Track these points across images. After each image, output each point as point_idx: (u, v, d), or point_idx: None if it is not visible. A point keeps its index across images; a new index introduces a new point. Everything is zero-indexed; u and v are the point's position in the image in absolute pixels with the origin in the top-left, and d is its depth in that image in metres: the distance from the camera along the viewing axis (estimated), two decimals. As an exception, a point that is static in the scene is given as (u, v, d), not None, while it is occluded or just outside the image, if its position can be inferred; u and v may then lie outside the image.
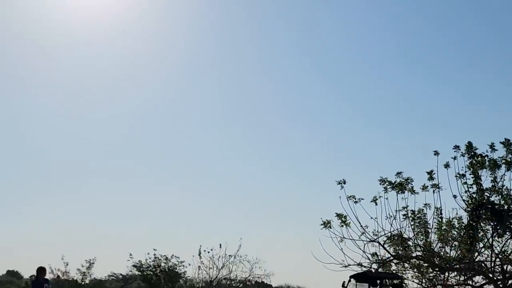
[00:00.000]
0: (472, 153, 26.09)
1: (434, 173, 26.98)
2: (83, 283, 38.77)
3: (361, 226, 27.62)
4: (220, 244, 41.77)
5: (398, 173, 27.58)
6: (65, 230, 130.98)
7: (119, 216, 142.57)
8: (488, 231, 26.38)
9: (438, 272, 28.53)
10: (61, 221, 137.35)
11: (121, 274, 54.23)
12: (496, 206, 25.49)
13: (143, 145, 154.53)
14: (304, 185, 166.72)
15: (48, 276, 37.79)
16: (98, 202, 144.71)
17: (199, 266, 40.51)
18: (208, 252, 40.57)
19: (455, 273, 28.22)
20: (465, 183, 26.21)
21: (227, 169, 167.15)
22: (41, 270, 17.89)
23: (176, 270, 40.27)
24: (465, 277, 28.22)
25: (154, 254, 39.86)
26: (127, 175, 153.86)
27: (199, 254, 40.26)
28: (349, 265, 27.46)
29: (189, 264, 41.18)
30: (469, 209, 25.97)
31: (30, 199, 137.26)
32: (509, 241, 26.25)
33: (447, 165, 26.51)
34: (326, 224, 27.73)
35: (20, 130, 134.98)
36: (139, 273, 40.67)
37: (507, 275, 26.86)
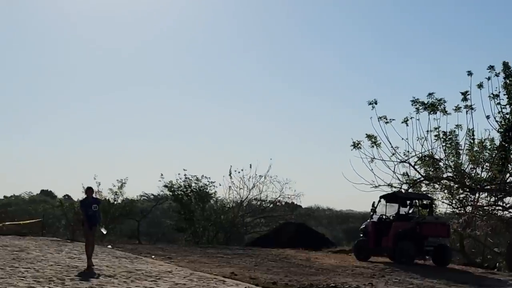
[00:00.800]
0: (508, 73, 25.58)
1: (468, 94, 26.62)
2: (115, 202, 39.35)
3: (392, 147, 27.61)
4: (251, 165, 42.03)
5: (430, 94, 27.31)
6: (97, 151, 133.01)
7: (150, 137, 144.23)
8: (520, 152, 26.13)
9: (469, 193, 28.53)
10: (93, 142, 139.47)
11: (152, 194, 55.05)
12: (530, 127, 25.13)
13: (178, 67, 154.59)
14: (335, 106, 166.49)
15: (80, 195, 38.57)
16: (128, 122, 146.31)
17: (229, 187, 40.95)
18: (239, 173, 40.91)
19: (486, 194, 28.20)
20: (499, 103, 25.88)
21: (259, 90, 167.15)
22: (88, 190, 17.37)
23: (207, 190, 40.62)
24: (496, 198, 28.20)
25: (185, 175, 40.20)
26: (156, 96, 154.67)
27: (230, 175, 40.62)
28: (379, 185, 27.58)
29: (220, 185, 41.59)
30: (502, 130, 25.69)
31: (62, 120, 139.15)
32: (541, 162, 26.04)
33: (480, 86, 26.11)
34: (356, 145, 27.74)
35: (52, 54, 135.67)
36: (170, 193, 41.08)
37: (538, 196, 26.81)
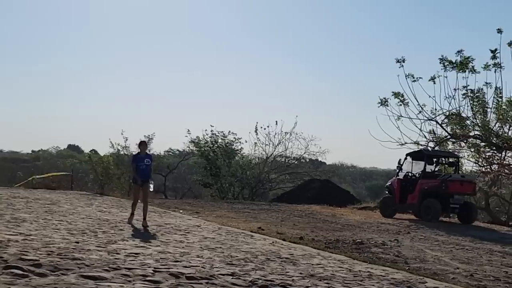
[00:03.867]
0: (538, 31, 25.26)
1: (498, 52, 26.36)
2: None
3: (419, 104, 27.58)
4: (276, 121, 42.25)
5: (459, 52, 27.10)
6: (125, 106, 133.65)
7: (177, 93, 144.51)
8: (549, 111, 25.95)
9: (495, 152, 28.46)
10: (120, 97, 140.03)
11: (178, 150, 55.45)
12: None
13: (204, 22, 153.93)
14: (361, 63, 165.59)
15: (108, 150, 38.96)
16: (156, 79, 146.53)
17: (255, 143, 41.26)
18: (265, 129, 41.12)
19: (512, 152, 28.12)
20: (529, 61, 25.59)
21: (286, 47, 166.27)
22: (141, 144, 16.56)
23: (233, 147, 40.97)
24: (523, 157, 28.14)
25: (212, 131, 40.52)
26: (183, 53, 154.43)
27: (256, 131, 40.87)
28: (405, 143, 27.64)
29: (246, 141, 41.98)
30: (530, 88, 25.46)
31: (87, 77, 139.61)
32: None
33: (511, 44, 25.82)
34: (384, 102, 27.73)
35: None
36: (197, 149, 41.44)
37: None
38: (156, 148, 43.48)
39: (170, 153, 59.29)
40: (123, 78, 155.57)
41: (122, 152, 39.70)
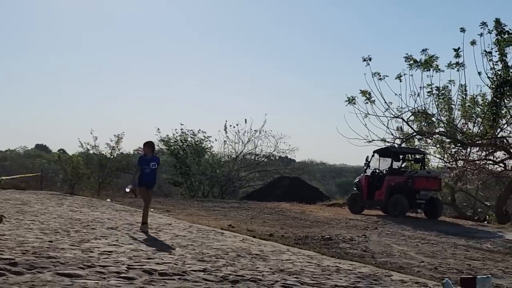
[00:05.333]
0: (500, 30, 25.80)
1: (461, 51, 26.91)
2: (111, 157, 39.64)
3: (386, 102, 28.04)
4: (246, 119, 42.52)
5: (424, 50, 27.62)
6: (94, 106, 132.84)
7: (146, 91, 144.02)
8: (512, 108, 26.55)
9: (460, 148, 29.07)
10: (89, 97, 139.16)
11: (147, 148, 55.31)
12: (521, 83, 25.48)
13: (175, 17, 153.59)
14: (330, 61, 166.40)
15: (77, 149, 38.82)
16: (124, 77, 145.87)
17: (224, 141, 41.46)
18: (234, 127, 41.32)
19: (477, 148, 28.73)
20: (491, 60, 26.17)
21: (254, 46, 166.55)
22: (145, 145, 15.19)
23: (203, 145, 41.08)
24: (487, 153, 28.74)
25: (181, 129, 40.60)
26: (152, 52, 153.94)
27: (225, 129, 41.07)
28: (372, 140, 28.09)
29: (215, 140, 42.06)
30: (493, 86, 26.05)
31: (54, 76, 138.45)
32: (531, 117, 26.47)
33: (473, 43, 26.37)
34: (351, 101, 28.10)
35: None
36: (166, 147, 41.49)
37: (528, 150, 27.32)
38: (126, 147, 43.20)
39: (140, 151, 59.11)
40: (91, 77, 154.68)
41: (91, 152, 39.58)
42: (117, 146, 39.64)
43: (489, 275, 8.70)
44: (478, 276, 6.92)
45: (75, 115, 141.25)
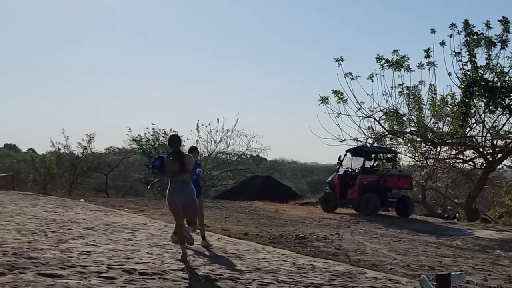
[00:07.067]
0: (469, 31, 26.18)
1: (431, 51, 27.25)
2: (83, 156, 39.58)
3: (358, 102, 28.23)
4: (218, 119, 42.72)
5: (395, 51, 27.92)
6: (66, 105, 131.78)
7: (118, 91, 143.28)
8: (481, 107, 26.95)
9: (431, 147, 29.44)
10: (61, 96, 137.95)
11: (117, 148, 55.25)
12: (489, 83, 25.85)
13: (144, 21, 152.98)
14: (303, 61, 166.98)
15: (47, 149, 38.55)
16: (95, 77, 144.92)
17: (197, 140, 41.51)
18: (206, 126, 41.45)
19: (447, 147, 29.13)
20: (460, 60, 26.50)
21: (227, 44, 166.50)
22: (191, 151, 13.16)
23: (175, 144, 41.05)
24: (457, 151, 29.16)
25: (153, 129, 40.63)
26: (124, 51, 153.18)
27: (197, 128, 41.18)
28: (345, 140, 28.22)
29: (187, 139, 42.15)
30: (463, 86, 26.39)
31: (24, 74, 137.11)
32: (500, 117, 26.94)
33: (443, 43, 26.70)
34: (324, 100, 28.27)
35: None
36: (138, 146, 41.50)
37: (496, 149, 27.78)
38: (98, 146, 43.19)
39: (111, 151, 58.96)
40: (61, 76, 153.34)
41: (62, 151, 39.47)
42: (89, 146, 39.56)
43: (463, 272, 9.00)
44: (452, 273, 7.17)
45: (45, 114, 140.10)
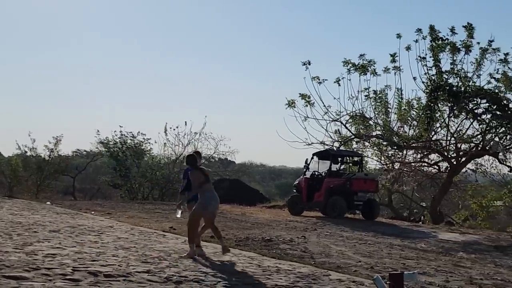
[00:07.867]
0: (434, 36, 26.57)
1: (397, 56, 27.59)
2: (50, 159, 39.25)
3: (325, 106, 28.45)
4: (186, 122, 42.62)
5: (361, 55, 28.23)
6: (32, 107, 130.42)
7: (86, 93, 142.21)
8: (445, 112, 27.37)
9: (396, 150, 29.81)
10: (28, 97, 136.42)
11: (85, 150, 54.81)
12: (454, 88, 26.28)
13: (115, 23, 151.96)
14: (271, 64, 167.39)
15: (13, 151, 38.16)
16: (63, 79, 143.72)
17: (164, 143, 41.29)
18: (174, 130, 41.29)
19: (413, 151, 29.50)
20: (425, 65, 26.89)
21: (195, 47, 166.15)
22: (199, 155, 13.33)
23: (142, 147, 41.00)
24: (422, 155, 29.53)
25: (121, 131, 40.43)
26: (91, 53, 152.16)
27: (165, 131, 40.95)
28: (312, 143, 28.41)
29: (155, 142, 42.02)
30: (427, 91, 26.77)
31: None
32: (464, 121, 27.39)
33: (408, 48, 27.04)
34: (291, 104, 28.44)
35: None
36: (106, 149, 41.26)
37: (460, 153, 28.22)
38: (65, 149, 42.88)
39: (78, 153, 58.49)
40: (26, 78, 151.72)
41: (29, 154, 39.13)
42: (56, 148, 39.23)
43: (415, 271, 9.19)
44: (405, 272, 7.36)
45: (11, 116, 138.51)
